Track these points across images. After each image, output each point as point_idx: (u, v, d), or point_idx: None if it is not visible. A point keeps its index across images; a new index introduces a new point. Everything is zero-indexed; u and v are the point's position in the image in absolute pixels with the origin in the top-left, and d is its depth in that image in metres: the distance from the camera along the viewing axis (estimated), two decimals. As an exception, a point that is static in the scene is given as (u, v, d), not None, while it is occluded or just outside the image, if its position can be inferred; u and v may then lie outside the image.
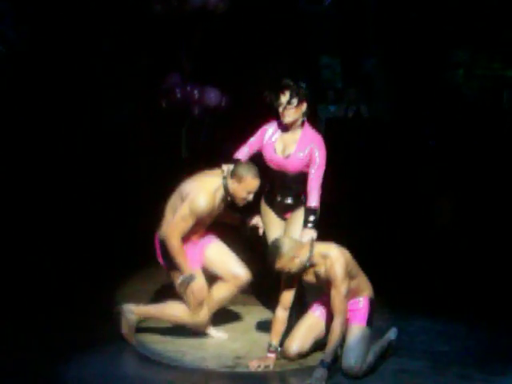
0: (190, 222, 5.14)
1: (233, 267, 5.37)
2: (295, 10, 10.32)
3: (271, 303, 5.68)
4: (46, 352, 5.13)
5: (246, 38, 9.76)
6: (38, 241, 7.34)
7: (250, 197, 5.18)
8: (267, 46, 9.82)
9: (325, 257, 4.92)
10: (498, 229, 7.85)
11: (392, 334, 5.13)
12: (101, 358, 5.09)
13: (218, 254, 5.42)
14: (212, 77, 9.36)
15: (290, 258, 4.84)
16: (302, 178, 5.37)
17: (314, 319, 5.16)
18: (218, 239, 5.47)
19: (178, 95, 9.25)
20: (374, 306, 5.10)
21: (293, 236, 5.24)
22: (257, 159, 5.44)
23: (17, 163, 8.06)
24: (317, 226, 5.21)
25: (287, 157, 5.36)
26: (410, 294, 6.31)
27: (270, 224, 5.59)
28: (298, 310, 5.31)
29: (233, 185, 5.15)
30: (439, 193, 8.44)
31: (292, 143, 5.38)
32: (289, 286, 5.08)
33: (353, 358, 4.82)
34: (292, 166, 5.36)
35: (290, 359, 5.09)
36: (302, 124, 5.41)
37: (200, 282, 5.23)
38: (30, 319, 5.72)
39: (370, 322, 5.01)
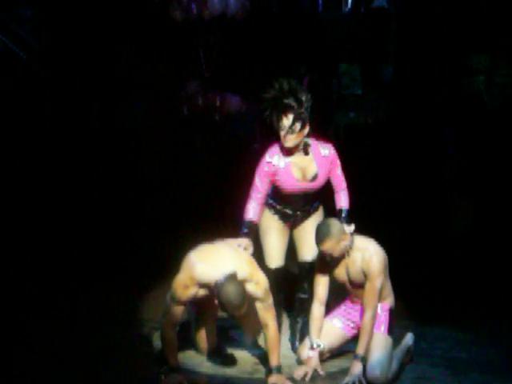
0: (174, 309, 4.74)
1: None
2: (314, 17, 10.34)
3: (288, 310, 5.73)
4: (57, 355, 5.16)
5: (264, 45, 9.79)
6: (54, 246, 7.37)
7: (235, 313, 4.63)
8: (286, 53, 9.83)
9: (363, 250, 4.90)
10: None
11: (409, 339, 5.13)
12: (117, 363, 5.10)
13: None
14: (231, 84, 9.39)
15: (337, 240, 4.81)
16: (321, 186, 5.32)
17: (329, 326, 5.14)
18: None
19: (200, 102, 9.28)
20: (393, 314, 5.08)
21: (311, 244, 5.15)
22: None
23: (30, 165, 8.12)
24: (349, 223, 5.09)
25: (314, 178, 5.17)
26: (429, 301, 6.28)
27: (269, 229, 5.38)
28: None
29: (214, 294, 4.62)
30: (458, 199, 8.41)
31: (309, 163, 5.17)
32: (323, 280, 5.07)
33: (378, 369, 4.80)
34: (320, 182, 5.22)
35: (303, 364, 5.06)
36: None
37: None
38: (42, 323, 5.74)
39: (390, 330, 5.00)
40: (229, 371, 5.05)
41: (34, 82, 8.42)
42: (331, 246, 4.83)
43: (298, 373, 4.96)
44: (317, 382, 4.92)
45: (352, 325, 5.14)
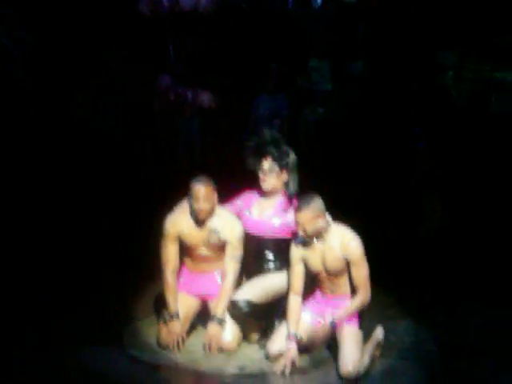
0: (168, 248, 5.31)
1: None
2: (285, 13, 10.36)
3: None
4: (38, 352, 5.15)
5: (235, 40, 9.79)
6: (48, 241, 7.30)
7: (201, 205, 5.19)
8: (257, 49, 9.86)
9: (341, 235, 4.97)
10: (486, 230, 7.86)
11: (379, 333, 5.16)
12: (92, 357, 5.12)
13: None
14: (202, 79, 9.39)
15: (314, 216, 4.89)
16: (277, 246, 5.42)
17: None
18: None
19: (172, 97, 9.27)
20: (363, 308, 5.13)
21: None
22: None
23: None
24: None
25: (262, 220, 5.43)
26: (398, 295, 6.31)
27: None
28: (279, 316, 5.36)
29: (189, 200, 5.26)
30: (428, 195, 8.46)
31: (269, 207, 5.46)
32: (298, 272, 5.11)
33: (350, 364, 4.85)
34: (267, 230, 5.41)
35: (272, 360, 5.09)
36: (283, 193, 5.47)
37: (176, 325, 5.28)
38: (30, 318, 5.71)
39: (360, 324, 5.06)
40: (201, 366, 5.08)
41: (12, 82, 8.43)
42: (307, 219, 4.88)
43: (278, 367, 4.98)
44: (287, 376, 4.95)
45: (321, 320, 5.17)
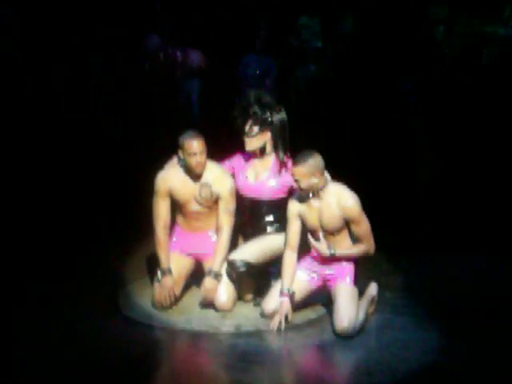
0: (159, 204, 5.32)
1: None
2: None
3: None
4: (33, 314, 5.16)
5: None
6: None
7: (198, 158, 5.18)
8: (246, 7, 9.78)
9: (338, 194, 4.96)
10: (479, 183, 7.85)
11: (373, 289, 5.18)
12: (87, 318, 5.12)
13: None
14: (191, 38, 9.31)
15: (310, 172, 4.88)
16: (276, 207, 5.42)
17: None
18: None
19: (161, 58, 9.20)
20: (358, 265, 5.14)
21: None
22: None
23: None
24: None
25: (259, 183, 5.42)
26: (392, 251, 6.32)
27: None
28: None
29: (181, 155, 5.24)
30: (421, 148, 8.45)
31: (264, 170, 5.45)
32: (294, 228, 5.12)
33: (346, 320, 4.86)
34: (264, 192, 5.42)
35: (267, 318, 5.12)
36: (276, 152, 5.44)
37: (168, 281, 5.32)
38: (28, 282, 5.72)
39: (355, 280, 5.07)
40: (196, 326, 5.09)
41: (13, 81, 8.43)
42: (302, 174, 4.88)
43: (274, 323, 5.01)
44: (282, 333, 4.97)
45: (316, 277, 5.18)
